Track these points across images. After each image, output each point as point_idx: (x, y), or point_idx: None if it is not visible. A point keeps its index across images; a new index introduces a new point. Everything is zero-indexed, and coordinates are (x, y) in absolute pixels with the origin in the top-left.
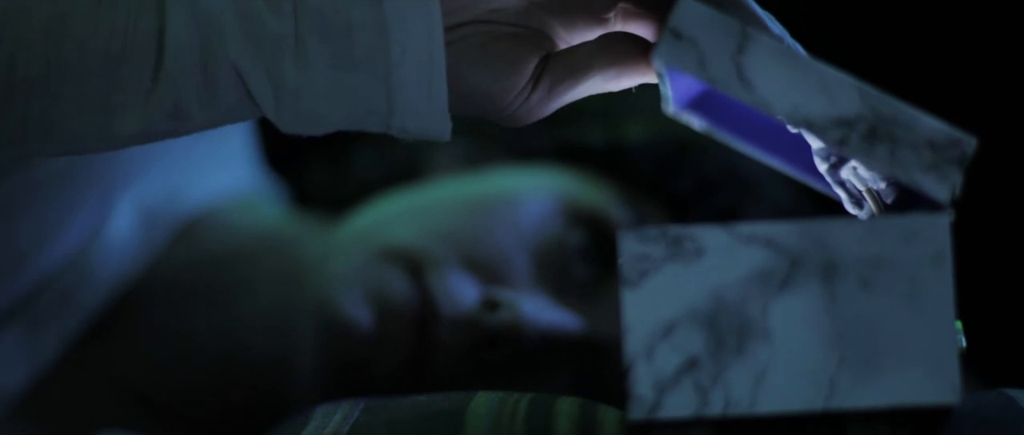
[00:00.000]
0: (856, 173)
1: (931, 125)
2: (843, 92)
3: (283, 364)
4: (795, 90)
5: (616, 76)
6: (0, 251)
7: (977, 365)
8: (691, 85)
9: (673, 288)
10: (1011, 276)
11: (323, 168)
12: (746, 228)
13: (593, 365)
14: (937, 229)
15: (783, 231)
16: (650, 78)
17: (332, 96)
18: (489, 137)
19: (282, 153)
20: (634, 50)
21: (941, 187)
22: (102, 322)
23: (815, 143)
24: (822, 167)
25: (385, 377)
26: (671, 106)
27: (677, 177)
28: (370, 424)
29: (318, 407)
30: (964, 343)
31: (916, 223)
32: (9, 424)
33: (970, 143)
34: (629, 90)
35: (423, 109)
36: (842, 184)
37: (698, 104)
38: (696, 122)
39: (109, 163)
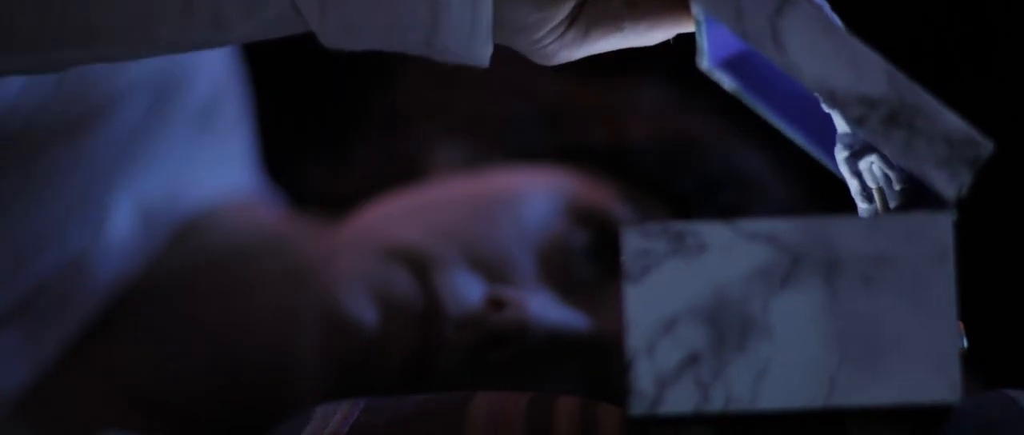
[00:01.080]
0: (871, 170)
1: (952, 121)
2: (872, 71)
3: (284, 364)
4: (825, 60)
5: (650, 28)
6: (0, 251)
7: (977, 365)
8: (727, 44)
9: (675, 284)
10: (1012, 276)
11: (323, 168)
12: (748, 224)
13: (598, 364)
14: (940, 228)
15: (785, 228)
16: (686, 28)
17: (377, 6)
18: (489, 137)
19: (282, 153)
20: (669, 2)
21: (950, 184)
22: (102, 322)
23: (841, 127)
24: (842, 154)
25: (389, 376)
26: (705, 61)
27: (680, 176)
28: (370, 424)
29: (318, 407)
30: (965, 342)
31: (919, 221)
32: (9, 424)
33: (986, 146)
34: (657, 47)
35: (466, 28)
36: (857, 175)
37: (732, 64)
38: (727, 81)
39: (109, 163)
